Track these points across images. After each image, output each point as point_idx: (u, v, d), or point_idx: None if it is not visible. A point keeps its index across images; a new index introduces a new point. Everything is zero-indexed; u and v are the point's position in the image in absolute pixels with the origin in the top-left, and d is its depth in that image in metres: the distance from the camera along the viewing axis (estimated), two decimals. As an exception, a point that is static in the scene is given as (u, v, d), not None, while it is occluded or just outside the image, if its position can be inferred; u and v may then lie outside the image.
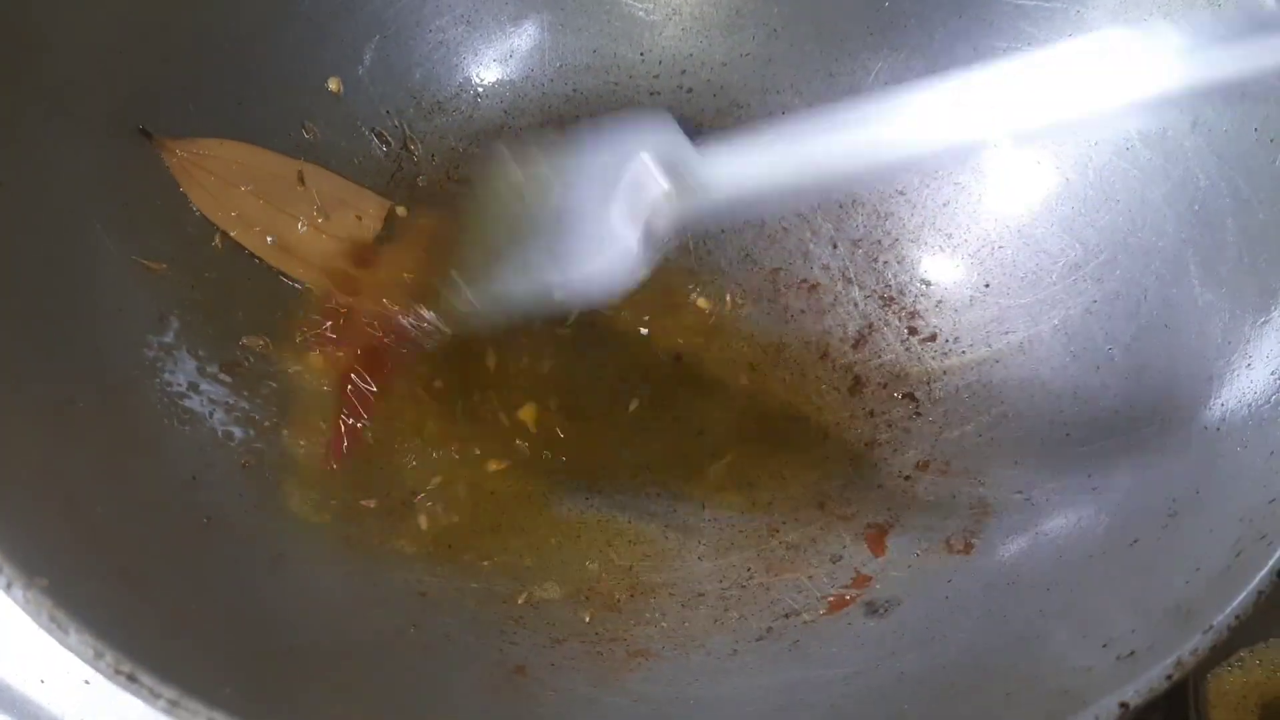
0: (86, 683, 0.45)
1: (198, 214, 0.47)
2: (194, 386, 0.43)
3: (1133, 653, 0.33)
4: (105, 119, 0.44)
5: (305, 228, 0.48)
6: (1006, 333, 0.49)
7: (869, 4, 0.53)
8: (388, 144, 0.53)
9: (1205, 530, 0.36)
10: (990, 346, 0.49)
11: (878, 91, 0.53)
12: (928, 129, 0.52)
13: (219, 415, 0.43)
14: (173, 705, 0.27)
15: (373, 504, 0.45)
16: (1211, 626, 0.31)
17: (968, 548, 0.43)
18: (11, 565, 0.28)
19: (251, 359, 0.45)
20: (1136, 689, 0.30)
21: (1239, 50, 0.44)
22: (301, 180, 0.49)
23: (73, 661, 0.44)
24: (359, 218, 0.50)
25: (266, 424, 0.44)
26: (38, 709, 0.44)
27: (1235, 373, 0.40)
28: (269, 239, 0.48)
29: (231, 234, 0.47)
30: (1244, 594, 0.32)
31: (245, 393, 0.45)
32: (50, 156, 0.41)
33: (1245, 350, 0.40)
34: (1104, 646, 0.34)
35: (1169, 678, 0.30)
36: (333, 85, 0.51)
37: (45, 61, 0.42)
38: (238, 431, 0.43)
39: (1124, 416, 0.43)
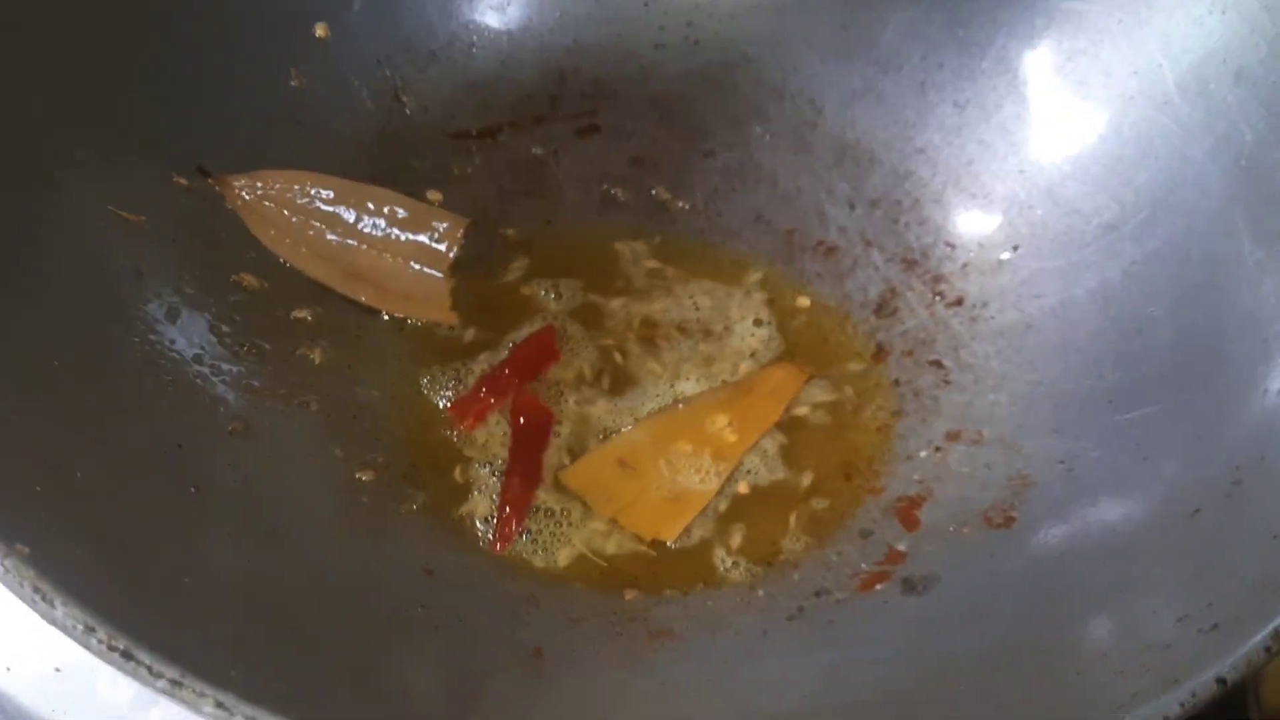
0: (57, 670, 0.41)
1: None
2: (176, 345, 0.39)
3: (1215, 626, 0.30)
4: (85, 57, 0.40)
5: (377, 253, 0.46)
6: (1038, 296, 0.47)
7: (887, -50, 0.50)
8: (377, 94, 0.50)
9: (1277, 497, 0.34)
10: (1021, 311, 0.47)
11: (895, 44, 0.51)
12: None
13: (205, 377, 0.39)
14: (174, 685, 0.23)
15: (369, 476, 0.42)
16: (1309, 594, 0.29)
17: (1008, 521, 0.41)
18: (-13, 531, 0.24)
19: (239, 318, 0.42)
20: (1233, 663, 0.28)
21: None
22: (370, 204, 0.46)
23: (40, 647, 0.42)
24: (433, 239, 0.46)
25: (256, 385, 0.41)
26: (3, 699, 0.40)
27: (1296, 332, 0.38)
28: (341, 268, 0.45)
29: (303, 269, 0.45)
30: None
31: (233, 354, 0.41)
32: (22, 96, 0.38)
33: (1305, 308, 0.38)
34: (1179, 621, 0.31)
35: (1268, 649, 0.28)
36: (319, 30, 0.48)
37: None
38: (228, 395, 0.39)
39: (1172, 382, 0.41)
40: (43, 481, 0.30)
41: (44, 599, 0.24)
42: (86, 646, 0.24)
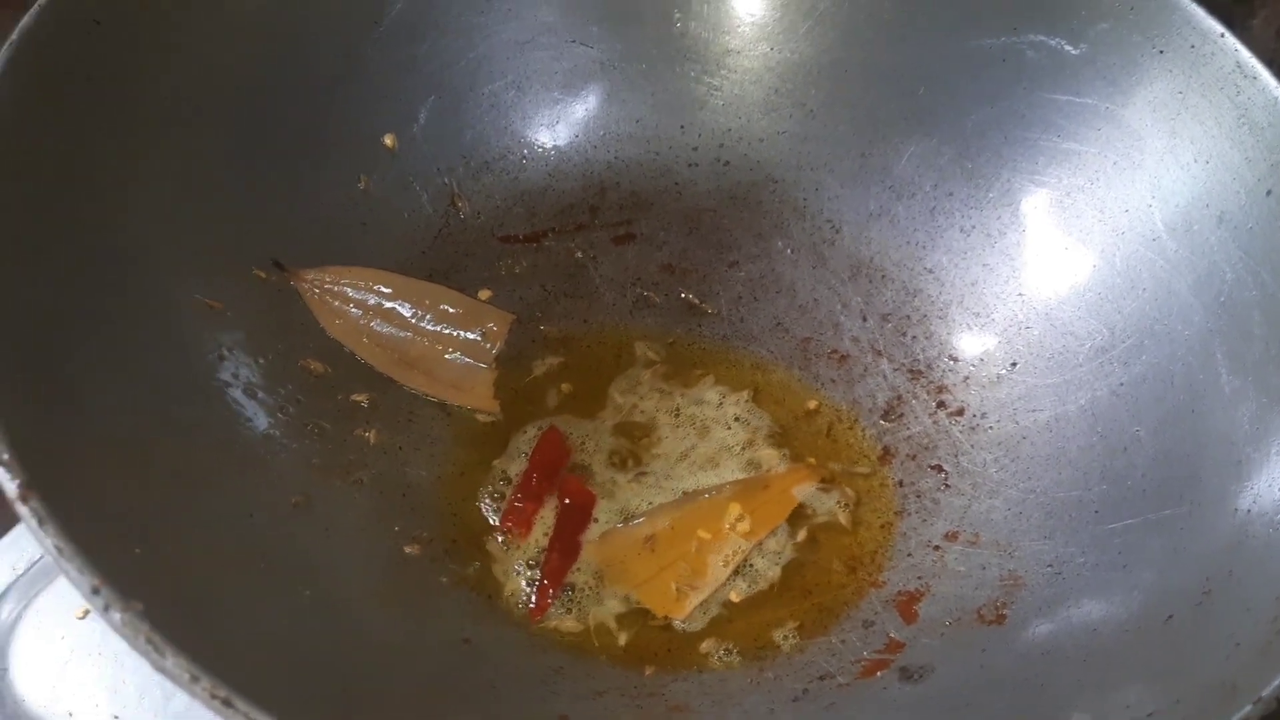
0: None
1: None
2: (251, 423, 0.43)
3: (1180, 723, 0.34)
4: (179, 162, 0.45)
5: (429, 344, 0.50)
6: (1034, 411, 0.51)
7: (904, 91, 0.55)
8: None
9: (1242, 608, 0.37)
10: (1018, 423, 0.51)
11: (909, 173, 0.56)
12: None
13: (273, 453, 0.44)
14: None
15: (415, 550, 0.45)
16: (1260, 698, 0.32)
17: (1000, 619, 0.44)
18: (110, 588, 0.28)
19: (304, 399, 0.46)
20: (1193, 756, 0.31)
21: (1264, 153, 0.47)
22: (425, 300, 0.51)
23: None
24: (481, 334, 0.51)
25: (317, 462, 0.45)
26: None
27: (1265, 458, 0.42)
28: (396, 357, 0.50)
29: (363, 357, 0.49)
30: (1290, 667, 0.33)
31: (298, 433, 0.45)
32: (127, 196, 0.42)
33: (1274, 437, 0.42)
34: (1149, 716, 0.35)
35: (1224, 746, 0.31)
36: (388, 141, 0.53)
37: (126, 106, 0.43)
38: (292, 471, 0.44)
39: (1152, 497, 0.45)
40: (140, 545, 0.34)
41: (156, 650, 0.28)
42: (192, 694, 0.27)
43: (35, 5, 0.40)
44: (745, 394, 0.54)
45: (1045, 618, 0.43)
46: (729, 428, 0.52)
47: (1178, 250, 0.49)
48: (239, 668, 0.31)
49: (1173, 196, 0.49)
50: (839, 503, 0.50)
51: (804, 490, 0.50)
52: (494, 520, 0.48)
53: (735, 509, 0.49)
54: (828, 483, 0.51)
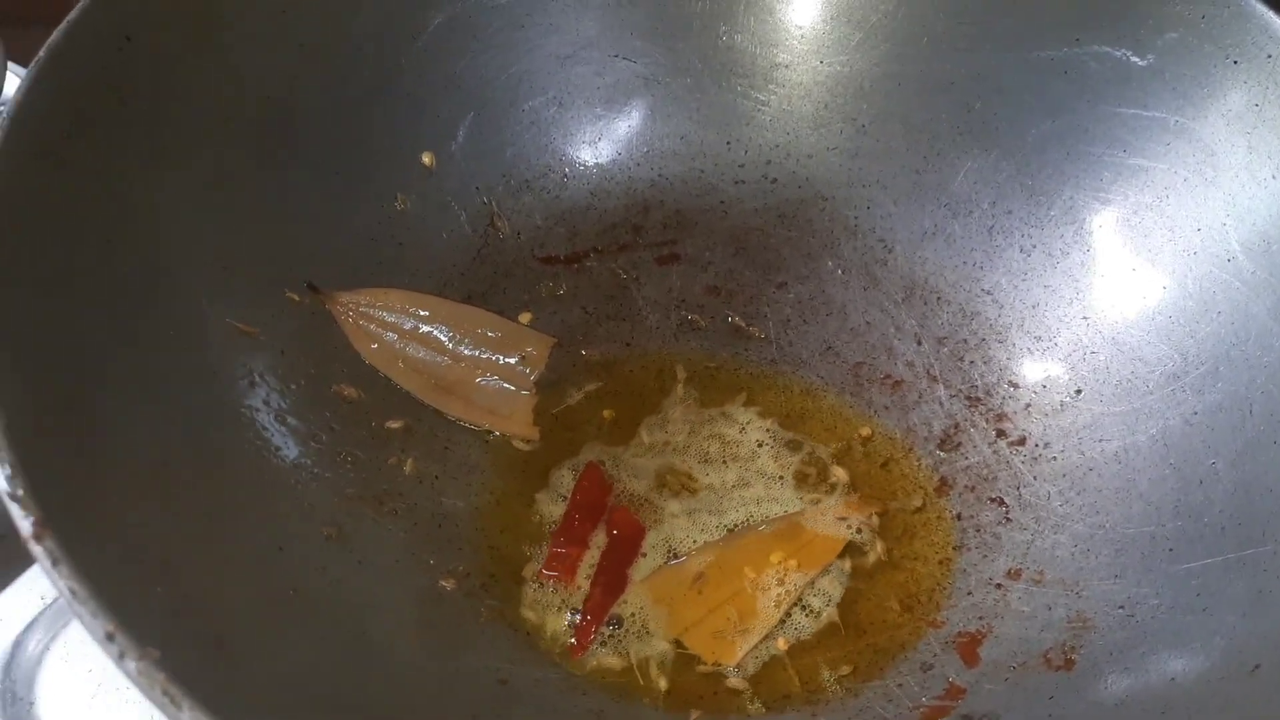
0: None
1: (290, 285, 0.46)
2: (281, 451, 0.42)
3: (1272, 788, 0.31)
4: (211, 182, 0.43)
5: (467, 369, 0.49)
6: (1101, 440, 0.48)
7: (959, 104, 0.53)
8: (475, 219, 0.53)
9: (1337, 659, 0.35)
10: (1083, 454, 0.48)
11: (965, 190, 0.54)
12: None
13: (304, 482, 0.42)
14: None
15: (451, 585, 0.44)
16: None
17: (1068, 664, 0.42)
18: (125, 635, 0.27)
19: (337, 427, 0.45)
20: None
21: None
22: (464, 323, 0.49)
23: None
24: (520, 359, 0.50)
25: (350, 492, 0.43)
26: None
27: (1357, 494, 0.39)
28: (433, 383, 0.48)
29: (398, 382, 0.48)
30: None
31: (330, 461, 0.44)
32: (156, 215, 0.41)
33: (1366, 472, 0.39)
34: (1238, 778, 0.32)
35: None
36: (426, 159, 0.52)
37: (156, 124, 0.42)
38: (324, 501, 0.42)
39: (1232, 535, 0.42)
40: (161, 583, 0.32)
41: (172, 701, 0.26)
42: (209, 747, 0.26)
43: (65, 21, 0.39)
44: (773, 420, 0.51)
45: (1118, 664, 0.41)
46: (758, 453, 0.50)
47: (1255, 271, 0.46)
48: (263, 713, 0.29)
49: (1250, 215, 0.46)
50: (895, 538, 0.48)
51: (852, 525, 0.48)
52: (531, 553, 0.46)
53: (787, 547, 0.46)
54: (880, 516, 0.48)
